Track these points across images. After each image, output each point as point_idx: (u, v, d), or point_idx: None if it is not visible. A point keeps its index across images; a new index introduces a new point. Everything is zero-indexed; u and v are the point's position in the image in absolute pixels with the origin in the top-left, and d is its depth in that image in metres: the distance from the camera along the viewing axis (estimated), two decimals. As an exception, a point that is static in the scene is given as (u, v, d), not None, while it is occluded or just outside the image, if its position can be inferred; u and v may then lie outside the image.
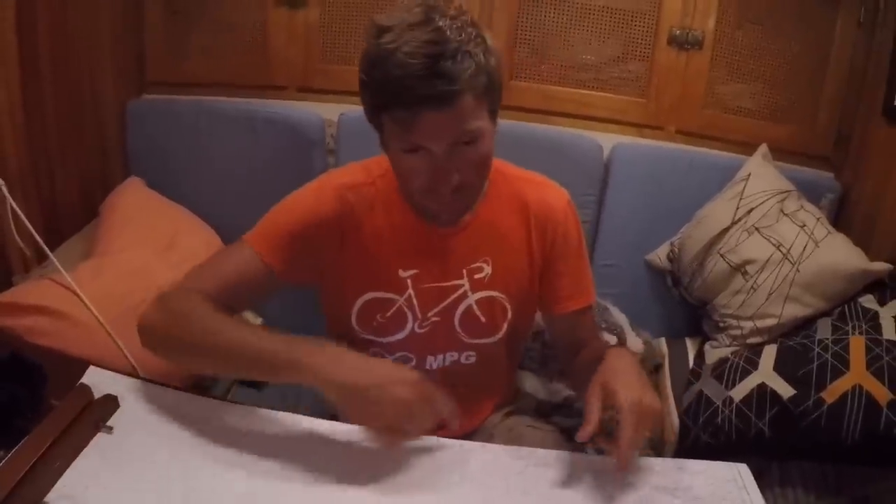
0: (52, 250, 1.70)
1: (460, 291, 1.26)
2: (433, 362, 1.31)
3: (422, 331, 1.27)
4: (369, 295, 1.25)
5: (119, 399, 1.06)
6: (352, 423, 1.06)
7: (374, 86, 1.03)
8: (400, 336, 1.28)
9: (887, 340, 1.63)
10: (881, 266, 1.75)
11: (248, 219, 2.04)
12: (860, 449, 1.53)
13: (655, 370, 1.99)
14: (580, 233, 1.34)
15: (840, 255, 1.81)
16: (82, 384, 1.07)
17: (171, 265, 1.82)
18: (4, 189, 1.62)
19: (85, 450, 0.96)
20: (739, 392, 1.71)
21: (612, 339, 1.88)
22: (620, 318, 1.93)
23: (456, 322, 1.28)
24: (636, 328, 1.96)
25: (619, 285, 2.08)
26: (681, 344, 2.06)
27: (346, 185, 1.22)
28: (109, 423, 1.02)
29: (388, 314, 1.26)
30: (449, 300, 1.26)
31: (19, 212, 1.63)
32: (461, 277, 1.25)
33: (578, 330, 1.39)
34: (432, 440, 1.12)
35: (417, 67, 0.96)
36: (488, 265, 1.26)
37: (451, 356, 1.32)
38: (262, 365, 1.05)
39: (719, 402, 1.71)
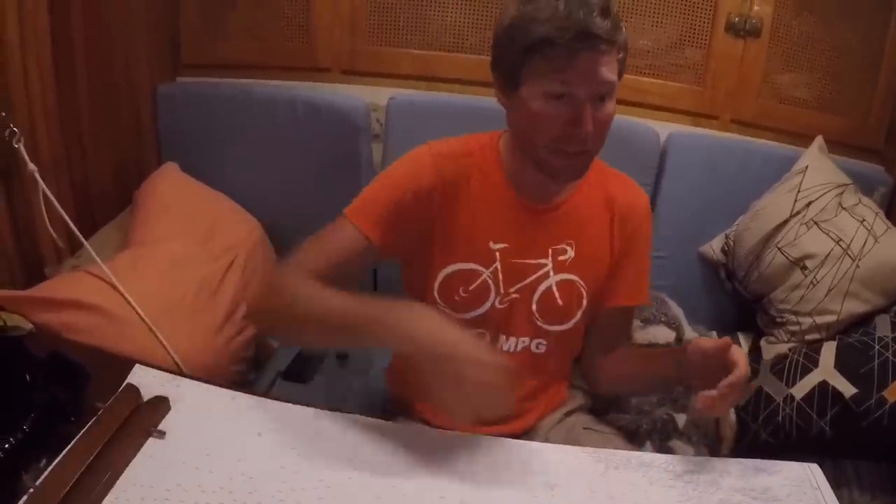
0: (85, 239, 1.76)
1: (543, 270, 1.37)
2: (505, 344, 1.41)
3: (501, 307, 1.37)
4: (456, 266, 1.35)
5: (169, 401, 1.08)
6: (430, 393, 1.07)
7: (533, 26, 1.15)
8: (479, 311, 1.37)
9: (946, 338, 1.78)
10: (942, 263, 1.90)
11: (289, 206, 2.19)
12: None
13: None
14: (650, 236, 1.49)
15: (898, 248, 1.97)
16: (129, 384, 1.08)
17: (213, 256, 1.89)
18: (38, 175, 1.67)
19: (137, 456, 0.97)
20: (800, 390, 1.84)
21: (671, 335, 2.00)
22: (678, 312, 2.05)
23: (534, 302, 1.38)
24: (693, 323, 2.09)
25: (671, 277, 2.21)
26: (733, 339, 2.18)
27: (443, 154, 1.34)
28: (160, 426, 1.03)
29: (472, 287, 1.36)
30: (531, 278, 1.37)
31: (53, 199, 1.70)
32: (546, 256, 1.37)
33: (618, 328, 1.53)
34: (510, 443, 1.20)
35: (580, 11, 1.12)
36: (572, 248, 1.38)
37: (523, 341, 1.42)
38: (353, 329, 1.13)
39: (780, 400, 1.85)
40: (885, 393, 1.73)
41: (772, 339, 2.08)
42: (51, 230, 1.76)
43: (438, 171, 1.32)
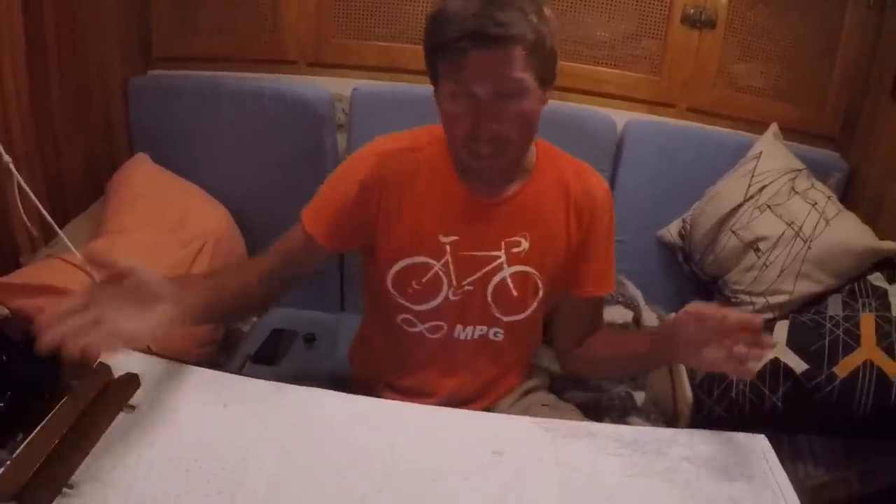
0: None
1: (496, 263, 1.30)
2: (462, 333, 1.36)
3: (455, 298, 1.31)
4: (407, 260, 1.29)
5: (139, 377, 1.06)
6: None
7: (435, 28, 1.11)
8: (433, 304, 1.32)
9: (896, 318, 1.71)
10: (890, 245, 1.85)
11: (257, 194, 2.12)
12: (871, 422, 1.62)
13: (667, 346, 2.05)
14: (613, 223, 1.41)
15: (851, 233, 1.90)
16: (101, 363, 1.04)
17: (182, 243, 1.84)
18: (12, 167, 1.59)
19: (108, 430, 0.95)
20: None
21: (629, 315, 1.93)
22: (636, 293, 1.98)
23: (489, 294, 1.32)
24: (650, 304, 2.02)
25: (630, 261, 2.12)
26: (691, 320, 2.13)
27: (387, 151, 1.29)
28: (131, 402, 1.01)
29: (424, 279, 1.30)
30: (485, 270, 1.30)
31: (27, 189, 1.61)
32: (499, 249, 1.30)
33: (587, 317, 1.46)
34: (460, 413, 1.17)
35: (475, 9, 1.05)
36: (526, 240, 1.30)
37: (481, 329, 1.36)
38: None
39: (733, 377, 1.79)
40: (835, 369, 1.67)
41: (727, 321, 2.01)
42: (25, 220, 1.68)
43: (381, 167, 1.28)
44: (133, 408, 1.00)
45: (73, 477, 0.86)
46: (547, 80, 1.17)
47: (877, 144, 2.09)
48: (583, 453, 1.09)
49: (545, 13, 1.12)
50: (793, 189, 1.97)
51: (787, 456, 1.73)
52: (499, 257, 1.30)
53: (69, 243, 1.62)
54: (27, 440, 0.87)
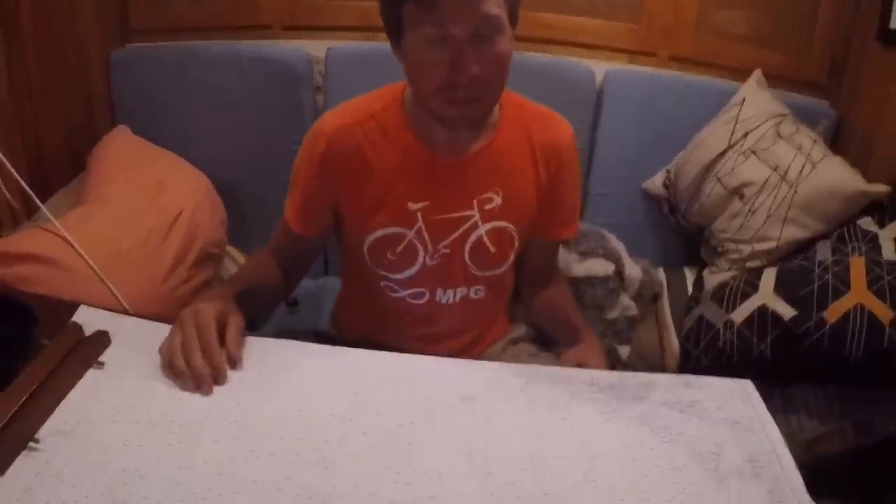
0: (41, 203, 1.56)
1: (471, 222, 1.19)
2: (443, 297, 1.25)
3: (433, 263, 1.21)
4: (379, 232, 1.18)
5: (111, 336, 1.00)
6: None
7: None
8: (411, 271, 1.21)
9: (887, 261, 1.55)
10: (880, 188, 1.66)
11: (238, 159, 1.97)
12: (863, 369, 1.47)
13: (654, 299, 1.90)
14: (577, 167, 1.29)
15: (838, 176, 1.71)
16: (73, 322, 1.01)
17: (159, 210, 1.72)
18: None
19: (76, 386, 0.90)
20: (740, 314, 1.64)
21: (610, 267, 1.77)
22: (618, 245, 1.81)
23: (466, 254, 1.21)
24: (634, 256, 1.85)
25: (614, 214, 1.98)
26: (679, 272, 1.98)
27: (338, 127, 1.15)
28: (101, 359, 0.95)
29: (399, 249, 1.19)
30: (459, 231, 1.19)
31: (6, 162, 1.49)
32: (471, 208, 1.18)
33: (548, 260, 1.38)
34: (430, 360, 1.05)
35: None
36: (498, 195, 1.18)
37: (461, 291, 1.26)
38: None
39: (720, 326, 1.65)
40: (825, 314, 1.50)
41: (714, 268, 1.84)
42: (6, 193, 1.56)
43: (332, 146, 1.14)
44: (102, 364, 0.94)
45: (39, 432, 0.82)
46: (515, 18, 1.04)
47: (864, 89, 1.89)
48: (556, 398, 0.99)
49: None
50: (778, 134, 1.77)
51: (780, 408, 1.56)
52: (472, 216, 1.18)
53: (46, 212, 1.50)
54: (-3, 398, 0.85)
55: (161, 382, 0.93)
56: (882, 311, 1.47)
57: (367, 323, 1.35)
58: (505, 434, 0.92)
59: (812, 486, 0.89)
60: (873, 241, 1.60)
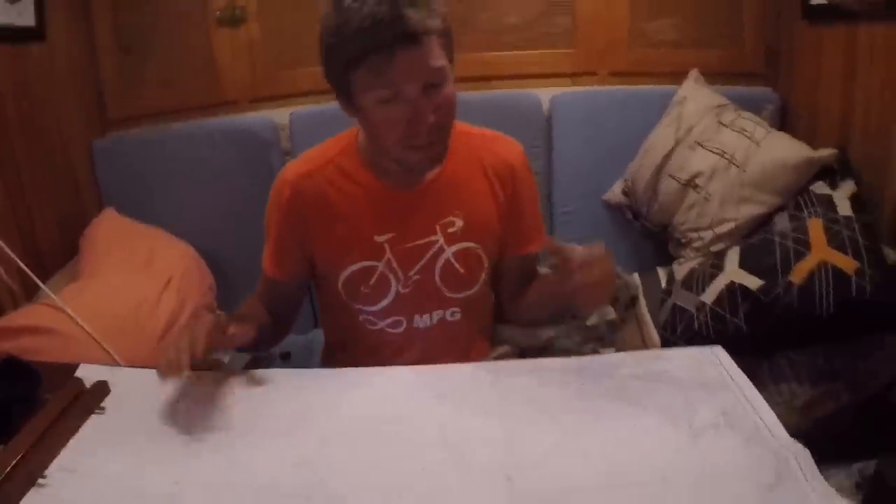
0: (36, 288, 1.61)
1: (436, 247, 1.19)
2: (420, 321, 1.24)
3: (406, 291, 1.21)
4: (350, 268, 1.19)
5: (110, 385, 1.03)
6: None
7: (345, 43, 0.98)
8: (386, 301, 1.21)
9: (844, 216, 1.49)
10: (825, 152, 1.61)
11: (219, 227, 1.99)
12: (839, 323, 1.38)
13: (632, 302, 1.83)
14: (533, 181, 1.29)
15: (782, 149, 1.67)
16: (75, 377, 1.04)
17: (150, 279, 1.76)
18: None
19: (80, 430, 0.94)
20: (710, 295, 1.57)
21: None
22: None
23: (437, 278, 1.21)
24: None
25: (581, 229, 1.95)
26: (653, 274, 1.89)
27: (300, 174, 1.18)
28: (102, 405, 0.99)
29: (372, 282, 1.19)
30: (427, 257, 1.19)
31: (7, 249, 1.56)
32: (434, 233, 1.19)
33: (524, 273, 1.34)
34: (404, 369, 1.08)
35: (387, 13, 0.94)
36: (459, 218, 1.19)
37: (437, 314, 1.25)
38: None
39: (693, 309, 1.58)
40: (791, 277, 1.43)
41: (682, 260, 1.78)
42: (4, 276, 1.61)
43: (296, 192, 1.17)
44: (103, 409, 0.98)
45: (47, 470, 0.85)
46: (453, 60, 1.06)
47: (799, 68, 1.87)
48: (526, 386, 1.00)
49: None
50: (719, 122, 1.75)
51: (769, 379, 1.44)
52: (437, 241, 1.19)
53: (44, 287, 1.58)
54: (5, 446, 0.88)
55: (157, 420, 0.96)
56: (845, 262, 1.40)
57: (353, 361, 1.30)
58: (475, 421, 0.92)
59: (815, 452, 0.84)
60: (828, 202, 1.54)
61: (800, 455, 0.82)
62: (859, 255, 1.39)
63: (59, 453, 0.88)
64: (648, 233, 1.93)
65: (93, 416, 0.96)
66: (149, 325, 1.62)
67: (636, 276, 1.89)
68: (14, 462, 0.82)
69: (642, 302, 1.82)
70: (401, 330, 1.24)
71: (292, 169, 1.20)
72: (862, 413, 1.42)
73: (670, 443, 0.86)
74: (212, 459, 0.87)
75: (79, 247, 1.90)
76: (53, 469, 0.85)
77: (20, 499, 0.79)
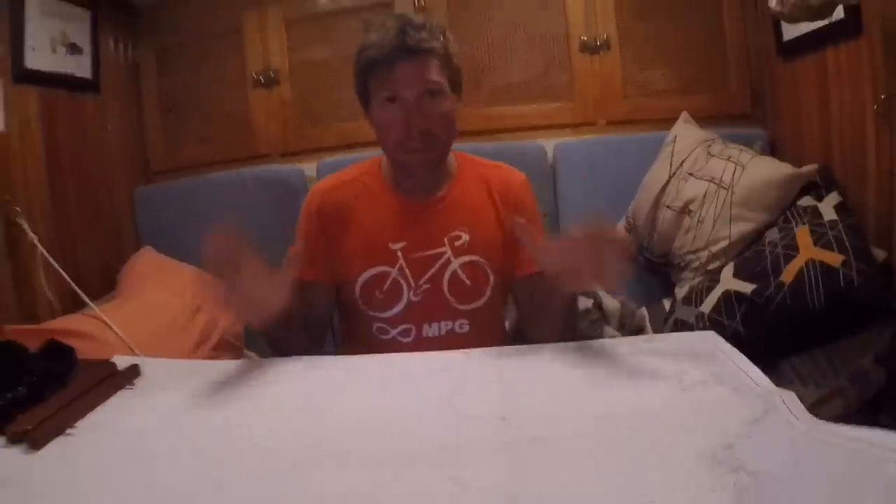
0: (74, 310, 1.70)
1: (444, 258, 1.26)
2: (429, 331, 1.28)
3: (416, 299, 1.26)
4: (368, 273, 1.26)
5: (140, 368, 1.07)
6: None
7: (363, 58, 1.18)
8: (399, 308, 1.26)
9: (829, 221, 1.52)
10: (808, 168, 1.66)
11: None
12: (832, 316, 1.39)
13: (638, 333, 1.83)
14: (535, 205, 1.36)
15: (767, 170, 1.72)
16: (108, 361, 1.09)
17: (183, 304, 1.84)
18: (37, 242, 1.71)
19: (110, 399, 0.98)
20: (708, 305, 1.59)
21: (588, 301, 1.75)
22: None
23: (445, 287, 1.26)
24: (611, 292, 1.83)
25: (589, 267, 1.97)
26: (658, 305, 1.91)
27: (328, 188, 1.32)
28: (132, 383, 1.04)
29: (386, 286, 1.26)
30: (436, 267, 1.26)
31: (49, 258, 1.72)
32: (443, 245, 1.26)
33: (538, 293, 1.33)
34: (414, 354, 1.11)
35: (392, 33, 1.14)
36: (465, 233, 1.26)
37: (447, 325, 1.28)
38: None
39: (692, 320, 1.58)
40: (781, 277, 1.46)
41: (682, 283, 1.80)
42: (48, 292, 1.74)
43: (324, 201, 1.30)
44: (133, 385, 1.03)
45: (76, 424, 0.89)
46: (457, 86, 1.22)
47: (782, 102, 1.96)
48: (525, 365, 1.02)
49: (448, 36, 1.20)
50: (709, 153, 1.81)
51: (774, 384, 1.46)
52: (445, 252, 1.26)
53: (85, 298, 1.71)
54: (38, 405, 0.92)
55: (183, 394, 0.98)
56: (831, 257, 1.41)
57: None
58: (477, 389, 0.93)
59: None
60: (814, 211, 1.57)
61: (786, 396, 0.81)
62: (845, 250, 1.41)
63: (87, 413, 0.92)
64: (652, 266, 1.94)
65: (123, 389, 1.00)
66: (179, 342, 1.69)
67: (644, 308, 1.91)
68: (45, 416, 0.86)
69: (649, 330, 1.82)
70: (411, 339, 1.27)
71: (322, 184, 1.34)
72: (870, 406, 1.38)
73: (660, 394, 0.87)
74: (233, 428, 0.88)
75: (117, 282, 1.98)
76: (80, 424, 0.89)
77: (46, 444, 0.83)
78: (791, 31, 1.81)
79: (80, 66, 1.97)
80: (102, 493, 0.73)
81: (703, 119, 1.98)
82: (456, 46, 1.21)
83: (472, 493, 0.68)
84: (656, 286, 1.98)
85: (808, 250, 1.47)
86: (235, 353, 1.86)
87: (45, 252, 1.72)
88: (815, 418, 0.77)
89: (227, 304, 1.04)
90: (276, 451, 0.80)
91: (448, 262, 1.26)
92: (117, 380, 1.01)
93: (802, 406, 0.80)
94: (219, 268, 1.01)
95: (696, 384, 0.89)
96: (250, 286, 1.02)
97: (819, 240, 1.47)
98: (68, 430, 0.87)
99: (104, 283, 2.00)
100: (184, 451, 0.82)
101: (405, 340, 1.27)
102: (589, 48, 2.09)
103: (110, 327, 1.59)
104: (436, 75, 1.16)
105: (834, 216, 1.52)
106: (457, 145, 1.30)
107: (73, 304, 1.80)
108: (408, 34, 1.13)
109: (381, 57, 1.14)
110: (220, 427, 0.88)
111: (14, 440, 0.83)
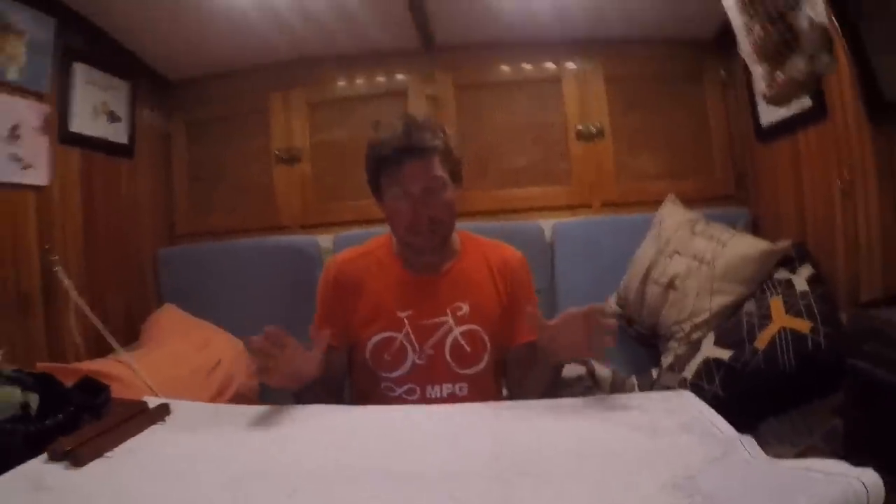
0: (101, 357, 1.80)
1: (446, 326, 1.37)
2: (432, 392, 1.37)
3: (421, 362, 1.36)
4: (377, 336, 1.37)
5: (170, 408, 1.15)
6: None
7: (374, 157, 1.33)
8: (404, 369, 1.36)
9: (801, 291, 1.62)
10: (782, 243, 1.78)
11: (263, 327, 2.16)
12: (803, 377, 1.48)
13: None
14: (531, 281, 1.48)
15: (745, 246, 1.84)
16: (140, 400, 1.17)
17: (204, 357, 1.96)
18: (71, 288, 1.81)
19: (144, 432, 1.05)
20: (689, 371, 1.68)
21: (581, 369, 1.84)
22: (588, 355, 1.90)
23: (447, 353, 1.36)
24: (603, 360, 1.91)
25: (582, 339, 2.06)
26: (647, 374, 1.98)
27: (344, 260, 1.46)
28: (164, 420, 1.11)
29: (393, 349, 1.36)
30: (439, 333, 1.36)
31: (83, 304, 1.83)
32: (445, 314, 1.37)
33: (529, 360, 1.43)
34: (421, 407, 1.22)
35: (400, 135, 1.28)
36: (466, 305, 1.37)
37: (448, 388, 1.37)
38: None
39: (675, 386, 1.66)
40: (756, 344, 1.57)
41: (668, 353, 1.88)
42: (76, 335, 1.85)
43: (340, 272, 1.43)
44: (164, 422, 1.11)
45: (112, 449, 0.96)
46: (456, 177, 1.36)
47: (761, 183, 2.10)
48: (517, 416, 1.10)
49: (446, 132, 1.35)
50: (692, 232, 1.93)
51: None
52: (447, 321, 1.37)
53: (113, 341, 1.82)
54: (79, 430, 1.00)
55: (207, 432, 1.06)
56: (801, 325, 1.52)
57: None
58: (473, 435, 1.02)
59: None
60: (788, 284, 1.68)
61: (745, 441, 0.90)
62: (813, 318, 1.51)
63: (123, 441, 0.99)
64: (642, 338, 2.03)
65: (155, 425, 1.08)
66: (200, 391, 1.79)
67: (633, 377, 1.98)
68: (86, 438, 0.94)
69: (638, 398, 1.89)
70: (415, 398, 1.36)
71: (340, 256, 1.49)
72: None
73: (633, 438, 0.95)
74: (261, 454, 0.96)
75: (140, 333, 2.10)
76: (118, 450, 0.96)
77: (87, 462, 0.90)
78: (768, 117, 1.98)
79: (117, 132, 2.16)
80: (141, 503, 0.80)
81: (691, 201, 2.12)
82: (455, 140, 1.36)
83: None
84: (645, 357, 2.05)
85: (780, 319, 1.57)
86: (251, 405, 1.93)
87: (78, 298, 1.83)
88: (769, 457, 0.85)
89: (272, 377, 1.18)
90: (300, 471, 0.88)
91: (450, 329, 1.36)
92: (149, 416, 1.09)
93: (759, 448, 0.88)
94: (265, 353, 1.16)
95: (667, 432, 0.97)
96: (290, 362, 1.18)
97: (790, 309, 1.57)
98: (106, 454, 0.94)
99: (127, 335, 2.10)
100: (216, 473, 0.89)
101: (410, 399, 1.36)
102: (584, 136, 2.27)
103: (136, 372, 1.68)
104: (438, 170, 1.30)
105: (805, 287, 1.62)
106: (465, 224, 1.45)
107: (98, 350, 1.91)
108: (412, 135, 1.27)
109: (390, 155, 1.28)
110: (248, 454, 0.96)
111: (56, 458, 0.90)
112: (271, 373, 1.17)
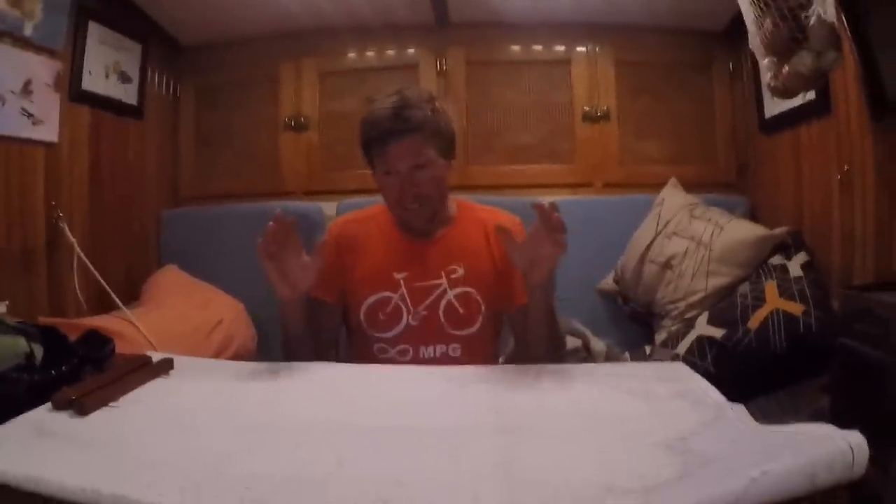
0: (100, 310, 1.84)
1: (441, 289, 1.39)
2: (425, 352, 1.39)
3: (415, 323, 1.38)
4: (374, 296, 1.39)
5: (173, 362, 1.16)
6: None
7: (365, 135, 1.34)
8: (398, 329, 1.38)
9: (795, 276, 1.66)
10: (779, 230, 1.81)
11: (264, 294, 2.14)
12: (793, 359, 1.52)
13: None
14: None
15: (743, 230, 1.88)
16: (143, 354, 1.18)
17: (204, 317, 1.97)
18: (75, 244, 1.84)
19: (148, 383, 1.06)
20: (682, 347, 1.72)
21: (577, 342, 1.87)
22: (585, 329, 1.93)
23: (441, 314, 1.38)
24: (598, 336, 1.95)
25: (579, 314, 2.06)
26: (640, 351, 2.02)
27: (347, 221, 1.51)
28: (167, 373, 1.12)
29: (388, 310, 1.38)
30: (433, 296, 1.38)
31: (86, 260, 1.85)
32: (440, 277, 1.39)
33: (525, 320, 1.45)
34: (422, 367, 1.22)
35: (387, 115, 1.29)
36: (461, 268, 1.39)
37: (441, 348, 1.39)
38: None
39: (668, 360, 1.69)
40: (749, 324, 1.61)
41: (661, 330, 1.92)
42: (77, 290, 1.87)
43: (340, 234, 1.46)
44: (168, 374, 1.12)
45: (118, 399, 0.97)
46: (448, 152, 1.37)
47: (762, 173, 2.13)
48: (516, 378, 1.11)
49: (437, 107, 1.34)
50: (692, 215, 1.97)
51: None
52: (441, 284, 1.39)
53: (116, 299, 1.84)
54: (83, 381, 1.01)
55: (214, 382, 1.09)
56: (794, 307, 1.55)
57: None
58: (473, 392, 1.04)
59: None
60: (783, 269, 1.71)
61: (736, 408, 0.92)
62: (806, 301, 1.55)
63: (127, 392, 1.00)
64: (636, 315, 2.07)
65: (158, 378, 1.09)
66: (200, 348, 1.80)
67: (627, 354, 2.02)
68: (90, 389, 0.94)
69: (631, 375, 1.93)
70: (408, 359, 1.38)
71: (342, 218, 1.53)
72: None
73: (629, 403, 0.97)
74: (264, 405, 0.98)
75: (141, 293, 2.10)
76: (122, 400, 0.97)
77: (92, 411, 0.91)
78: (771, 109, 2.01)
79: (127, 93, 2.17)
80: (144, 450, 0.80)
81: (692, 186, 2.15)
82: (447, 115, 1.36)
83: (470, 459, 0.78)
84: (639, 335, 2.10)
85: (773, 301, 1.60)
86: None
87: (82, 254, 1.86)
88: (757, 423, 0.88)
89: (269, 272, 1.22)
90: (304, 422, 0.90)
91: (444, 292, 1.38)
92: (153, 369, 1.10)
93: (749, 415, 0.91)
94: (270, 241, 1.21)
95: (661, 398, 1.00)
96: (289, 262, 1.23)
97: (784, 292, 1.60)
98: (111, 403, 0.95)
99: (128, 294, 2.11)
100: (220, 422, 0.91)
101: (403, 360, 1.38)
102: (590, 118, 2.29)
103: (138, 328, 1.71)
104: (424, 150, 1.30)
105: (800, 272, 1.66)
106: (467, 195, 1.47)
107: (100, 307, 1.93)
108: (400, 114, 1.28)
109: (376, 136, 1.31)
110: (251, 404, 0.98)
111: (60, 407, 0.91)
112: (270, 269, 1.21)
